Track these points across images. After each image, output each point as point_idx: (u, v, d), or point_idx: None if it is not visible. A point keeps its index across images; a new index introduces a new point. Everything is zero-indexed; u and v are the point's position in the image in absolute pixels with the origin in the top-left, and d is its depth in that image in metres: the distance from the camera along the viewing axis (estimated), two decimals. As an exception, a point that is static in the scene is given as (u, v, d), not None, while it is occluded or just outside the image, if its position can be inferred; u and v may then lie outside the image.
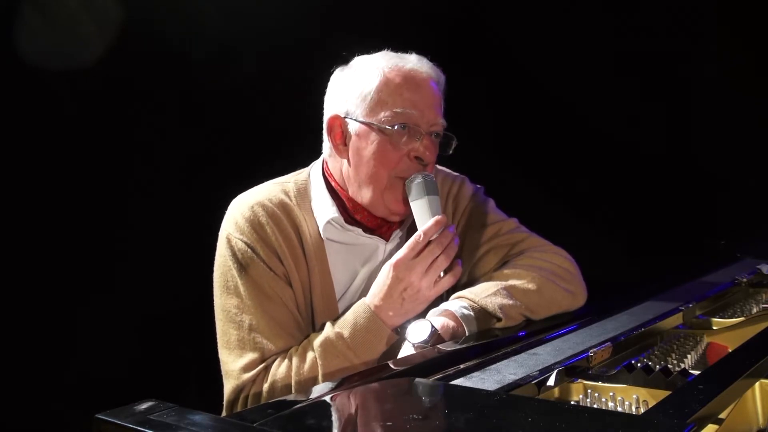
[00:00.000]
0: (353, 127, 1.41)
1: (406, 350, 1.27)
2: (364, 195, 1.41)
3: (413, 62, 1.42)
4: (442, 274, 1.33)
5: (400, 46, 1.47)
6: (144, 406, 0.80)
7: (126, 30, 2.19)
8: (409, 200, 1.38)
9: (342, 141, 1.43)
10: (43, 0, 2.08)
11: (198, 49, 2.33)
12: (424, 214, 1.36)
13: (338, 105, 1.44)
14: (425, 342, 1.24)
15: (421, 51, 1.48)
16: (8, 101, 2.01)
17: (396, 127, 1.37)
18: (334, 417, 0.89)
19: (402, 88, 1.38)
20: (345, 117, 1.42)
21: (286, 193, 1.45)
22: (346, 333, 1.29)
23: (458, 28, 2.96)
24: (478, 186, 1.64)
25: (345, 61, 1.47)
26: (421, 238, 1.32)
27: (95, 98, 2.18)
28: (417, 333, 1.26)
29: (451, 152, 1.48)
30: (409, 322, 1.30)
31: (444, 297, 1.52)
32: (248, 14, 2.43)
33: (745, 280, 1.73)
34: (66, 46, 2.12)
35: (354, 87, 1.41)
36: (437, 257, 1.32)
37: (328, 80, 1.49)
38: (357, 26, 2.48)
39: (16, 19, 2.02)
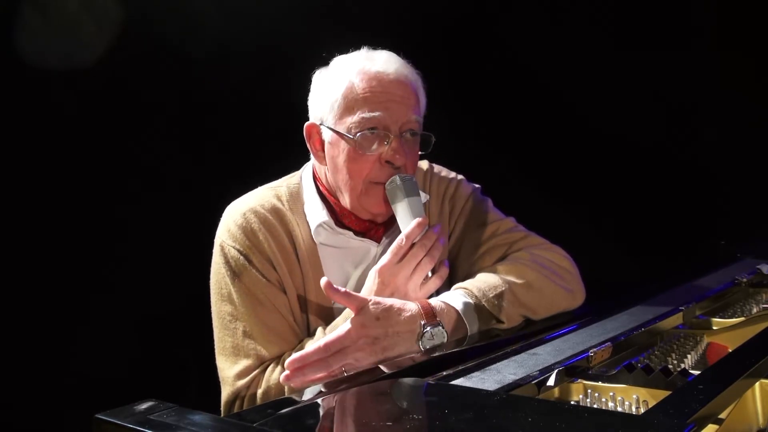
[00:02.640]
0: (327, 135, 1.41)
1: None
2: (345, 200, 1.42)
3: (380, 63, 1.39)
4: (429, 274, 1.33)
5: (400, 45, 1.46)
6: (144, 406, 0.80)
7: (126, 30, 2.19)
8: (390, 204, 1.38)
9: (321, 148, 1.44)
10: (43, 0, 2.08)
11: (198, 49, 2.33)
12: (405, 217, 1.35)
13: (314, 112, 1.44)
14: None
15: (421, 51, 1.47)
16: (8, 101, 2.01)
17: (362, 133, 1.35)
18: (334, 417, 0.89)
19: (367, 92, 1.35)
20: (320, 124, 1.42)
21: (279, 198, 1.45)
22: None
23: (458, 27, 2.96)
24: (476, 185, 1.63)
25: (326, 62, 1.46)
26: (403, 242, 1.31)
27: (95, 98, 2.17)
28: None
29: (430, 150, 1.46)
30: None
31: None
32: (248, 14, 2.43)
33: (745, 280, 1.72)
34: (66, 46, 2.12)
35: (325, 94, 1.40)
36: (421, 260, 1.32)
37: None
38: (357, 26, 2.48)
39: (16, 19, 2.02)
